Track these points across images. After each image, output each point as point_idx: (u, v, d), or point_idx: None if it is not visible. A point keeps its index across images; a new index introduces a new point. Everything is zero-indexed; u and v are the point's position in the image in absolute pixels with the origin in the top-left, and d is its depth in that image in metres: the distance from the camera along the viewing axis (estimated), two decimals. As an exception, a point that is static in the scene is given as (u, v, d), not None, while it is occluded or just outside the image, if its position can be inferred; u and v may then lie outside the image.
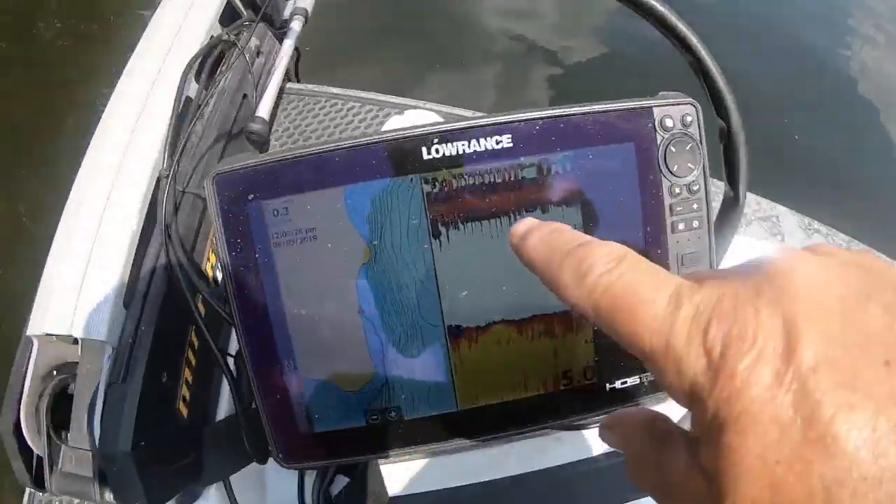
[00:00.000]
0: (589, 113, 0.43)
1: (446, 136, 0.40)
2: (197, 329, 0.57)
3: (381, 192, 0.40)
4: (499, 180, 0.42)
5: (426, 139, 0.40)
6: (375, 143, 0.39)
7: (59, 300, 0.51)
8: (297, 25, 1.00)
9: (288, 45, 0.93)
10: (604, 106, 0.43)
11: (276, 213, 0.40)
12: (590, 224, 0.43)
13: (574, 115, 0.43)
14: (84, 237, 0.53)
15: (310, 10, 1.05)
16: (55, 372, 0.56)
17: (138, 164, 0.56)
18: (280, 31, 0.98)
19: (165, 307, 0.52)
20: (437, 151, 0.40)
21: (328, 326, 0.42)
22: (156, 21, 0.69)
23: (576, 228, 0.23)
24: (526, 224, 0.24)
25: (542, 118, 0.42)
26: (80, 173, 0.57)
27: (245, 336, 0.42)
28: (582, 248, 0.20)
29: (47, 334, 0.52)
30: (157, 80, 0.61)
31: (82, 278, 0.51)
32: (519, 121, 0.42)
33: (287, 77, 1.05)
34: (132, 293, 0.52)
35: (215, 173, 0.40)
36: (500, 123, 0.41)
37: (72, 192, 0.56)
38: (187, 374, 0.57)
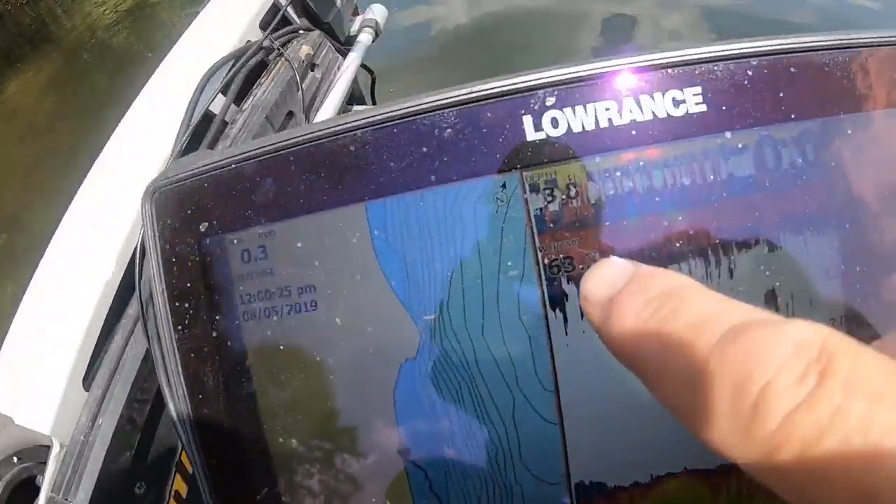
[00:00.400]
0: (868, 43, 0.21)
1: (570, 95, 0.20)
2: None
3: (439, 214, 0.20)
4: (685, 181, 0.20)
5: (529, 101, 0.20)
6: (426, 110, 0.20)
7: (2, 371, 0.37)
8: (365, 38, 0.87)
9: (353, 58, 0.80)
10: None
11: (245, 256, 0.21)
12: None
13: (842, 44, 0.21)
14: (50, 293, 0.39)
15: (381, 22, 0.92)
16: (16, 458, 0.41)
17: (126, 202, 0.42)
18: (345, 46, 0.86)
19: (139, 390, 0.36)
20: (553, 124, 0.20)
21: (343, 479, 0.21)
22: (186, 35, 0.58)
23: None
24: (604, 275, 0.14)
25: (767, 51, 0.21)
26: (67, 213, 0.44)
27: (202, 469, 0.23)
28: (748, 339, 0.11)
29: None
30: (170, 96, 0.48)
31: (37, 345, 0.37)
32: (721, 58, 0.20)
33: (354, 100, 0.93)
34: (94, 372, 0.36)
35: (154, 187, 0.22)
36: (680, 63, 0.20)
37: (56, 233, 0.43)
38: (179, 484, 0.39)
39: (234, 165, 0.21)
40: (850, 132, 0.21)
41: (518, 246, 0.20)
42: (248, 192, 0.21)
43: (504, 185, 0.20)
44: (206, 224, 0.21)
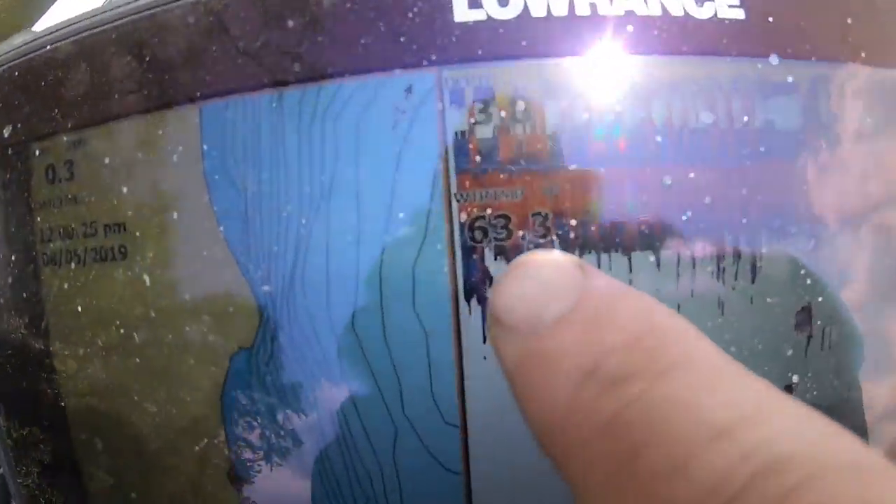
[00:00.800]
0: None
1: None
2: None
3: (303, 126, 0.13)
4: (701, 121, 0.12)
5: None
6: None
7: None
8: None
9: None
10: None
11: (50, 174, 0.15)
12: None
13: None
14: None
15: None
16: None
17: None
18: None
19: None
20: (500, 0, 0.12)
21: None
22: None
23: None
24: (533, 281, 0.08)
25: None
26: None
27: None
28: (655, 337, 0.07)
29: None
30: None
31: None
32: None
33: None
34: None
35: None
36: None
37: None
38: None
39: (48, 47, 0.15)
40: None
41: (421, 188, 0.12)
42: (59, 86, 0.15)
43: (410, 89, 0.12)
44: (11, 128, 0.15)
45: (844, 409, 0.14)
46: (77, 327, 0.14)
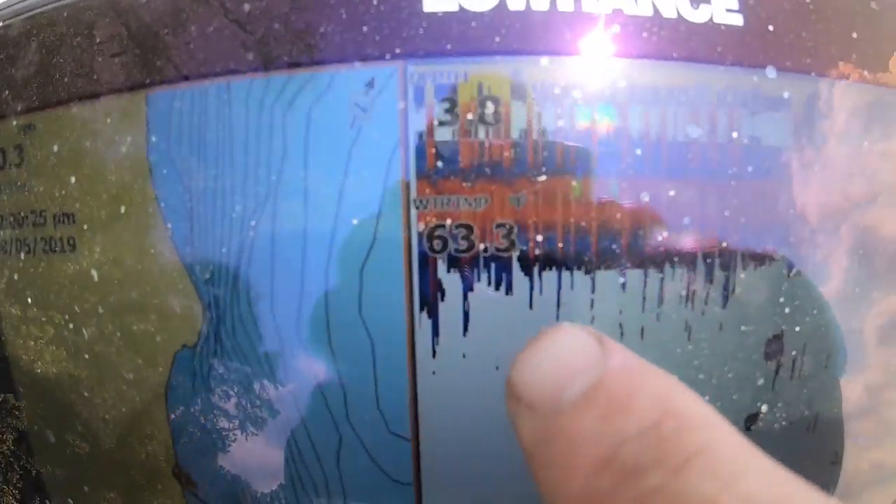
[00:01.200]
0: None
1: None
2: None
3: (251, 119, 0.12)
4: (687, 133, 0.11)
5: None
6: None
7: None
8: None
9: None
10: None
11: (1, 159, 0.14)
12: None
13: None
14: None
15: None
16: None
17: None
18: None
19: None
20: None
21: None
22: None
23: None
24: (554, 361, 0.08)
25: None
26: None
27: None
28: None
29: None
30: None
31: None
32: None
33: None
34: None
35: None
36: None
37: None
38: None
39: (0, 24, 0.14)
40: None
41: (376, 193, 0.11)
42: (10, 65, 0.14)
43: (371, 83, 0.11)
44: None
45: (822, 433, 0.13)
46: (28, 319, 0.14)
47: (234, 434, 0.13)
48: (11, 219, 0.14)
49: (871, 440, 0.14)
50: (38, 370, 0.14)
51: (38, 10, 0.13)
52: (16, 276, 0.14)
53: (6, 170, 0.14)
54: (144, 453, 0.13)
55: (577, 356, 0.08)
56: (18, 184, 0.14)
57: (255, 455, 0.12)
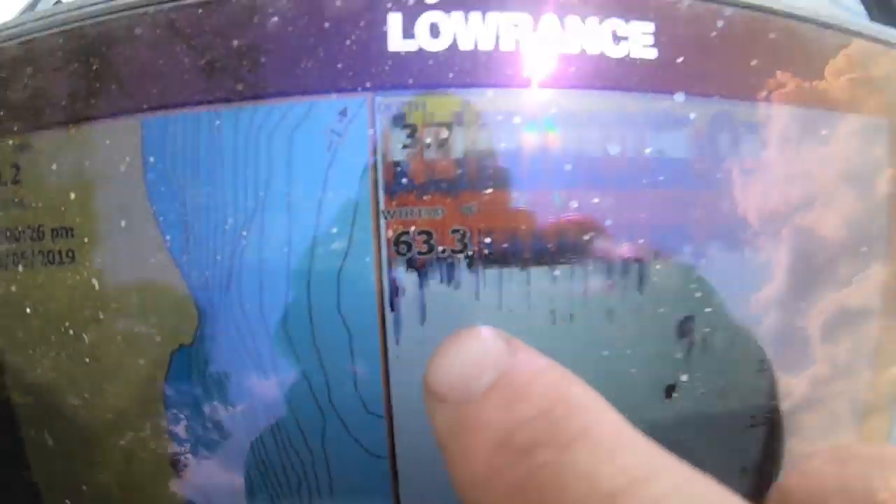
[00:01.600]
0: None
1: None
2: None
3: (239, 143, 0.13)
4: (607, 151, 0.14)
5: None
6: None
7: None
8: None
9: None
10: None
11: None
12: None
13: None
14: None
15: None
16: None
17: None
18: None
19: None
20: (432, 32, 0.13)
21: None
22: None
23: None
24: (463, 358, 0.09)
25: (751, 4, 0.14)
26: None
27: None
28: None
29: None
30: None
31: None
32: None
33: None
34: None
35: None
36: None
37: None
38: None
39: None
40: (826, 132, 0.15)
41: (351, 203, 0.13)
42: (4, 87, 0.15)
43: (344, 112, 0.13)
44: (-45, 128, 0.16)
45: (732, 406, 0.16)
46: (26, 328, 0.15)
47: (226, 423, 0.14)
48: (7, 233, 0.15)
49: (819, 432, 0.16)
50: (35, 378, 0.15)
51: (34, 36, 0.15)
52: (13, 289, 0.15)
53: (3, 187, 0.15)
54: (141, 448, 0.15)
55: (483, 353, 0.09)
56: (14, 200, 0.15)
57: (246, 434, 0.14)
